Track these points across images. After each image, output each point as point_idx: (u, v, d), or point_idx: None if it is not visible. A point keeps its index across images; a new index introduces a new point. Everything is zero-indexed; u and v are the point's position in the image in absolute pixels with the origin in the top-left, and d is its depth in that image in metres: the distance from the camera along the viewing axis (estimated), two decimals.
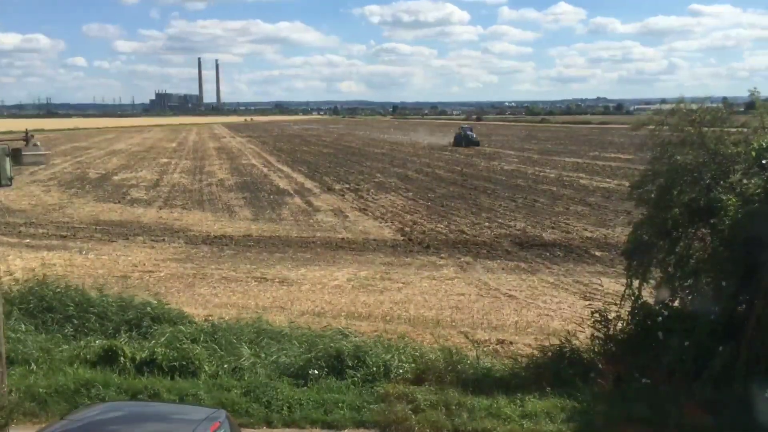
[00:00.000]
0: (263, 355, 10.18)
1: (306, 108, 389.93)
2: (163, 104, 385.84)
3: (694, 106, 10.28)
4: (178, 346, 10.00)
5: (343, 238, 24.91)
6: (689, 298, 9.60)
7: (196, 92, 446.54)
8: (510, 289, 17.51)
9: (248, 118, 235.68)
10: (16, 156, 49.17)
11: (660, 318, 9.43)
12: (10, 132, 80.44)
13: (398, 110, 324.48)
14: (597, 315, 10.18)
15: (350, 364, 9.65)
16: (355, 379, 9.39)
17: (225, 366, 9.78)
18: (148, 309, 11.68)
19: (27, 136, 58.94)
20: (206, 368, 9.65)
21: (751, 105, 9.98)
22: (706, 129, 9.77)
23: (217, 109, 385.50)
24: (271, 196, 37.35)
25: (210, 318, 12.65)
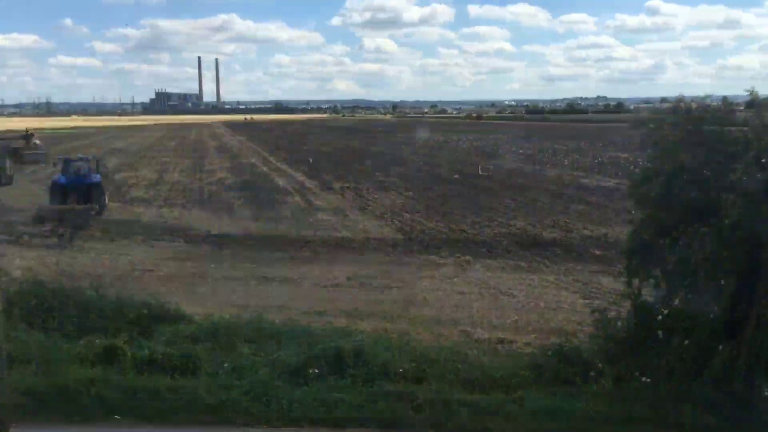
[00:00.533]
0: (263, 354, 10.18)
1: (306, 107, 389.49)
2: (162, 103, 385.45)
3: (693, 105, 10.28)
4: (179, 345, 10.00)
5: (343, 237, 24.94)
6: (689, 297, 9.60)
7: (196, 91, 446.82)
8: (510, 288, 17.52)
9: (248, 117, 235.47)
10: (16, 155, 49.22)
11: (660, 317, 9.44)
12: (10, 131, 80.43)
13: (398, 109, 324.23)
14: (597, 314, 10.19)
15: (350, 363, 9.64)
16: (356, 377, 9.39)
17: (225, 365, 9.77)
18: (149, 308, 11.69)
19: (27, 135, 58.96)
20: (206, 367, 9.65)
21: (751, 104, 9.98)
22: (706, 128, 9.77)
23: (217, 108, 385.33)
24: (271, 195, 37.38)
25: (210, 317, 12.65)
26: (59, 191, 29.31)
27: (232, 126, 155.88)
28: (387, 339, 11.09)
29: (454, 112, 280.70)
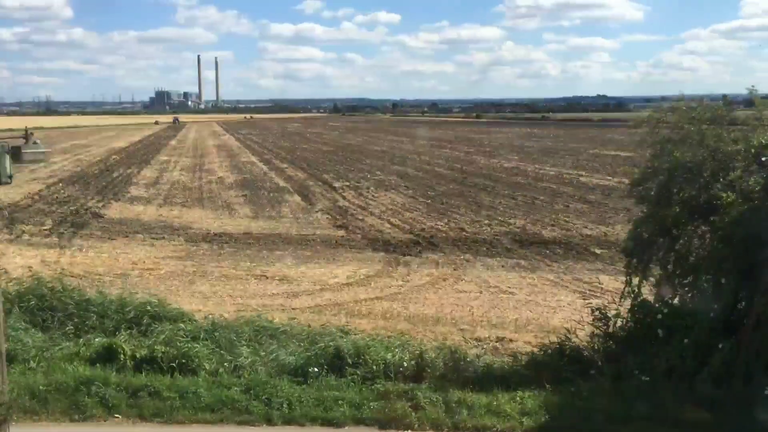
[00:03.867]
0: (263, 353, 10.18)
1: (306, 106, 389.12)
2: (162, 102, 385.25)
3: (693, 104, 10.28)
4: (178, 344, 10.00)
5: (342, 236, 24.92)
6: (689, 295, 9.61)
7: (195, 90, 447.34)
8: (510, 287, 17.50)
9: (248, 116, 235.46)
10: (15, 154, 49.17)
11: (660, 316, 9.44)
12: (10, 130, 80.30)
13: (398, 108, 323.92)
14: (597, 312, 10.20)
15: (350, 362, 9.64)
16: (355, 376, 9.39)
17: (225, 364, 9.77)
18: (148, 307, 11.67)
19: (27, 134, 58.93)
20: (206, 366, 9.65)
21: (750, 103, 9.99)
22: (705, 126, 9.78)
23: (217, 107, 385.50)
24: (271, 194, 37.36)
25: (210, 316, 12.66)
26: None
27: (231, 126, 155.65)
28: (386, 338, 11.09)
29: (455, 111, 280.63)
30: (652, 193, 10.00)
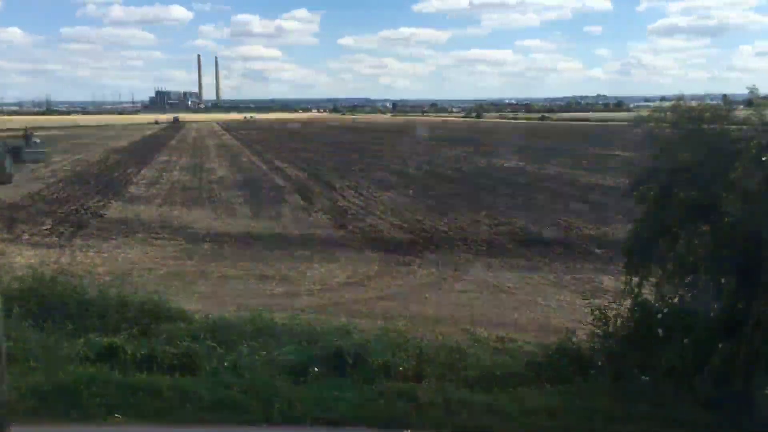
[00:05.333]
0: (263, 353, 10.18)
1: (306, 105, 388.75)
2: (162, 102, 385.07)
3: (694, 104, 10.29)
4: (178, 343, 10.00)
5: (342, 236, 24.94)
6: (689, 295, 9.60)
7: (195, 89, 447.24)
8: (510, 287, 17.53)
9: (248, 116, 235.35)
10: (15, 153, 49.17)
11: (660, 315, 9.44)
12: (10, 129, 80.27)
13: (398, 107, 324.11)
14: (597, 312, 10.20)
15: (351, 362, 9.64)
16: (356, 376, 9.40)
17: (225, 363, 9.77)
18: (148, 307, 11.68)
19: (26, 133, 58.95)
20: (206, 365, 9.65)
21: (751, 102, 9.99)
22: (705, 126, 9.78)
23: (218, 106, 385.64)
24: (271, 194, 37.39)
25: (210, 316, 12.66)
26: None
27: (231, 126, 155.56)
28: (387, 338, 11.09)
29: (455, 110, 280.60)
30: (652, 193, 9.99)
